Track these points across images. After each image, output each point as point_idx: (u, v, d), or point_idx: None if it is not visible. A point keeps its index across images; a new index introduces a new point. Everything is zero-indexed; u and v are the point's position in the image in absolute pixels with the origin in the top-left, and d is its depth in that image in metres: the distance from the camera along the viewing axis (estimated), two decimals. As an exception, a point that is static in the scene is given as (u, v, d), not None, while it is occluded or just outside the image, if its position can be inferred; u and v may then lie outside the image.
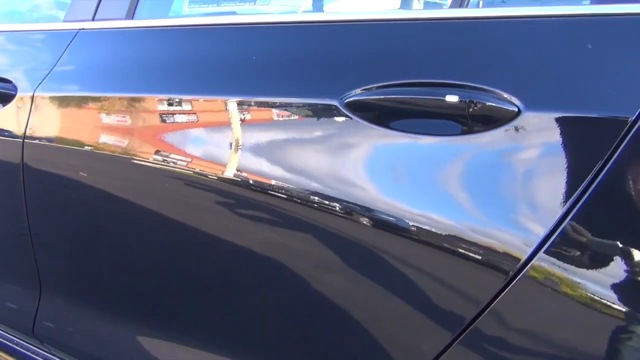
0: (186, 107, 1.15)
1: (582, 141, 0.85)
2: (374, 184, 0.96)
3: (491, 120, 0.88)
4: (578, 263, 0.83)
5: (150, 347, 1.30)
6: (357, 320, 0.99)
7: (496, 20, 0.95)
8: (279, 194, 1.03)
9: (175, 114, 1.16)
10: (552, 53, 0.89)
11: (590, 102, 0.84)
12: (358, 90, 0.97)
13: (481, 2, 1.05)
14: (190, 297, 1.20)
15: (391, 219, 0.94)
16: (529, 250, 0.84)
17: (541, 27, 0.91)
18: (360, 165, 0.97)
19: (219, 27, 1.19)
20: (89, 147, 1.29)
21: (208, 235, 1.14)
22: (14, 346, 1.53)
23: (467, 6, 0.98)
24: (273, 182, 1.04)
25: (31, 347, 1.51)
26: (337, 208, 0.98)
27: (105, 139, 1.26)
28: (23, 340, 1.52)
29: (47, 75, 1.35)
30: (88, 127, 1.29)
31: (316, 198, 1.00)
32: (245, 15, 1.21)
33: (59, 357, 1.45)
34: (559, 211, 0.83)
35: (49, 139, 1.37)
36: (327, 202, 0.99)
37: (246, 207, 1.10)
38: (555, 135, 0.85)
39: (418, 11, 1.01)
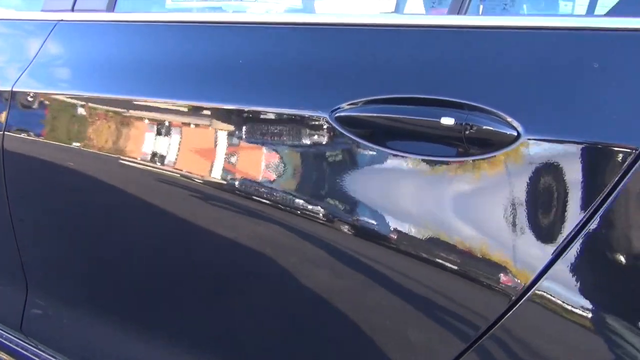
0: (168, 111, 1.09)
1: (584, 170, 0.79)
2: (366, 204, 0.92)
3: (488, 144, 0.83)
4: (578, 290, 0.79)
5: (136, 346, 1.28)
6: (365, 334, 0.96)
7: (497, 30, 0.88)
8: (268, 204, 0.99)
9: (157, 117, 1.11)
10: (556, 71, 0.83)
11: (593, 128, 0.79)
12: (345, 105, 0.91)
13: (481, 7, 0.98)
14: (180, 295, 1.17)
15: (378, 235, 0.90)
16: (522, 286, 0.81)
17: (545, 40, 0.85)
18: (354, 184, 0.92)
19: (203, 25, 1.12)
20: (70, 144, 1.24)
21: (195, 232, 1.11)
22: (4, 341, 1.51)
23: (465, 13, 0.91)
24: (260, 191, 1.00)
25: (20, 342, 1.49)
26: (332, 221, 0.95)
27: (87, 137, 1.21)
28: (12, 336, 1.50)
29: (25, 70, 1.29)
30: (70, 125, 1.24)
31: (312, 211, 0.96)
32: (233, 13, 1.13)
33: (48, 354, 1.43)
34: (556, 245, 0.79)
35: (29, 134, 1.32)
36: (324, 217, 0.95)
37: (231, 214, 1.05)
38: (555, 163, 0.80)
39: (411, 16, 0.94)
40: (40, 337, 1.46)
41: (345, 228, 0.94)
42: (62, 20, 1.30)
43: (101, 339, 1.32)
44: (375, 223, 0.91)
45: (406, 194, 0.89)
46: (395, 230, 0.89)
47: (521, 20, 0.88)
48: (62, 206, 1.32)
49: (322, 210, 0.95)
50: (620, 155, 0.76)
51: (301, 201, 0.96)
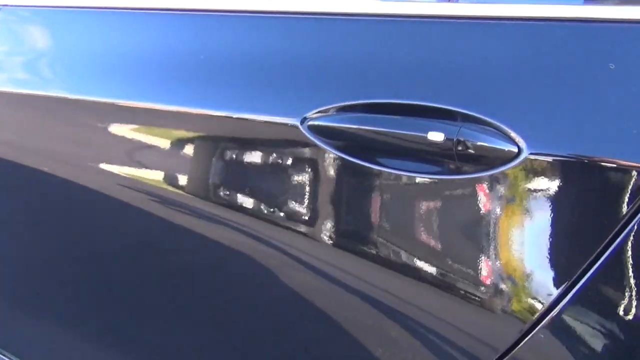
0: (121, 112, 0.97)
1: (599, 193, 0.67)
2: (348, 225, 0.82)
3: (484, 161, 0.70)
4: (594, 322, 0.70)
5: (94, 348, 1.21)
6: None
7: (495, 22, 0.75)
8: (234, 215, 0.89)
9: (113, 119, 0.99)
10: (566, 72, 0.70)
11: (610, 143, 0.66)
12: (317, 112, 0.78)
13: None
14: (138, 297, 1.09)
15: (359, 261, 0.81)
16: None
17: (553, 34, 0.71)
18: (330, 202, 0.82)
19: (160, 13, 0.98)
20: (18, 143, 1.14)
21: (153, 236, 1.03)
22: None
23: (458, 0, 0.77)
24: (225, 201, 0.90)
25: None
26: (310, 245, 0.84)
27: (38, 136, 1.11)
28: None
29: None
30: (20, 124, 1.13)
31: (287, 231, 0.85)
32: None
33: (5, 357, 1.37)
34: (568, 276, 0.68)
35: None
36: (300, 238, 0.85)
37: (193, 221, 0.96)
38: (564, 184, 0.68)
39: (395, 4, 0.80)
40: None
41: (326, 252, 0.83)
42: (6, 5, 1.16)
43: (57, 341, 1.25)
44: (358, 245, 0.81)
45: (390, 215, 0.78)
46: (375, 253, 0.79)
47: (523, 9, 0.74)
48: (8, 205, 1.23)
49: (296, 231, 0.84)
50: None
51: (272, 220, 0.86)
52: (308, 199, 0.82)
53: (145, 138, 0.97)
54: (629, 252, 0.66)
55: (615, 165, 0.65)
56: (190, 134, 0.92)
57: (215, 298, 0.97)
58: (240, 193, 0.88)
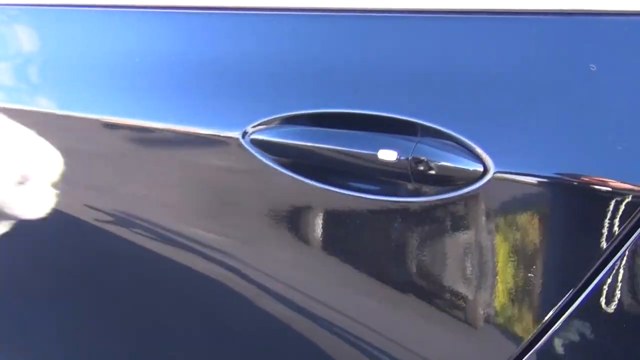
0: (40, 119, 0.89)
1: (578, 218, 0.58)
2: (305, 251, 0.73)
3: (444, 181, 0.61)
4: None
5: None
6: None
7: (456, 17, 0.64)
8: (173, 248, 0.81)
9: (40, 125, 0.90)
10: (540, 75, 0.60)
11: (590, 161, 0.56)
12: (255, 126, 0.69)
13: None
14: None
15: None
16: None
17: (530, 30, 0.61)
18: (278, 227, 0.72)
19: (91, 10, 0.88)
20: None
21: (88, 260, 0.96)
22: None
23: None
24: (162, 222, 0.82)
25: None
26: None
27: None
28: None
29: None
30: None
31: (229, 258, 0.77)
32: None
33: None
34: (544, 315, 0.60)
35: None
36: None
37: (132, 237, 0.88)
38: (536, 207, 0.59)
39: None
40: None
41: (268, 274, 0.76)
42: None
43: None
44: (304, 268, 0.73)
45: (340, 239, 0.69)
46: (323, 278, 0.72)
47: (492, 2, 0.63)
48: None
49: (237, 251, 0.76)
50: (628, 199, 0.54)
51: (209, 238, 0.78)
52: (248, 219, 0.73)
53: (69, 148, 0.89)
54: (611, 282, 0.57)
55: (596, 187, 0.55)
56: (122, 147, 0.83)
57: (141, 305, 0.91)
58: (175, 210, 0.80)
